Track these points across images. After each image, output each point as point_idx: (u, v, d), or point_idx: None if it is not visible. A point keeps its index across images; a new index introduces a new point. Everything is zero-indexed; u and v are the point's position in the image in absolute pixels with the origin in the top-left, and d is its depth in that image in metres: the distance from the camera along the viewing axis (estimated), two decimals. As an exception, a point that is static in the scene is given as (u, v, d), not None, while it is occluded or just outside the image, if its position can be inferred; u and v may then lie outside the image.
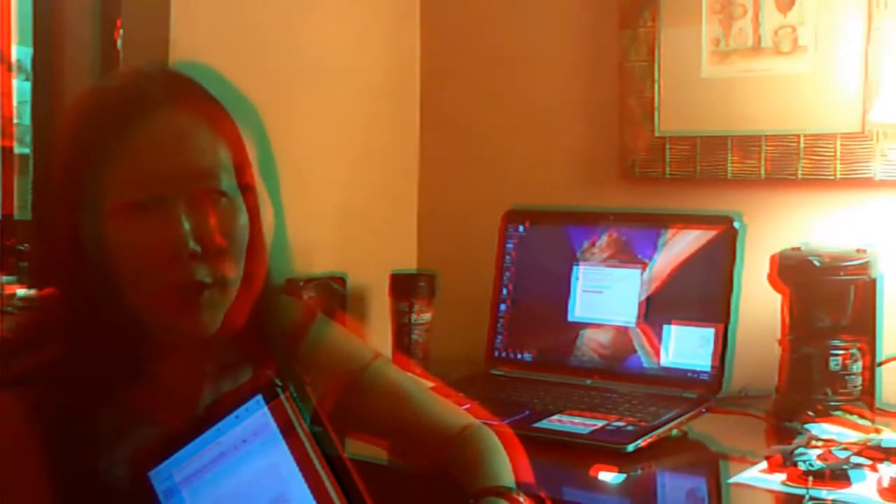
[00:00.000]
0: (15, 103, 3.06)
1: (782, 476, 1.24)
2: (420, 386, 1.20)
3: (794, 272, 1.52)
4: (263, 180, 1.02)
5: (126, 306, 0.93)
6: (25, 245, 2.66)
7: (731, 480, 1.28)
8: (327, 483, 0.92)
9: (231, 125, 0.98)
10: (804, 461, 1.24)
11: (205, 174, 0.94)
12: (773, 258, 1.55)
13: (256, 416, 0.94)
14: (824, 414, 1.46)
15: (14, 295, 2.22)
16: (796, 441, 1.33)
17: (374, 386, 1.14)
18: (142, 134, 0.92)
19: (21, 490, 0.90)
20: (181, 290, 0.93)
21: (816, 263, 1.50)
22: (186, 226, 0.92)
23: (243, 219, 0.97)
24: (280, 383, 0.95)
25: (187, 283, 0.93)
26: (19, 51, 3.03)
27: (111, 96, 0.98)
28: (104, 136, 0.92)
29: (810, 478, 1.21)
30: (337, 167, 2.00)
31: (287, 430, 0.93)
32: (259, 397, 0.95)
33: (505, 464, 1.08)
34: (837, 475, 1.21)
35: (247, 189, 0.99)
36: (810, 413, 1.47)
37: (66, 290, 0.97)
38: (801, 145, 1.70)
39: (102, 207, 0.92)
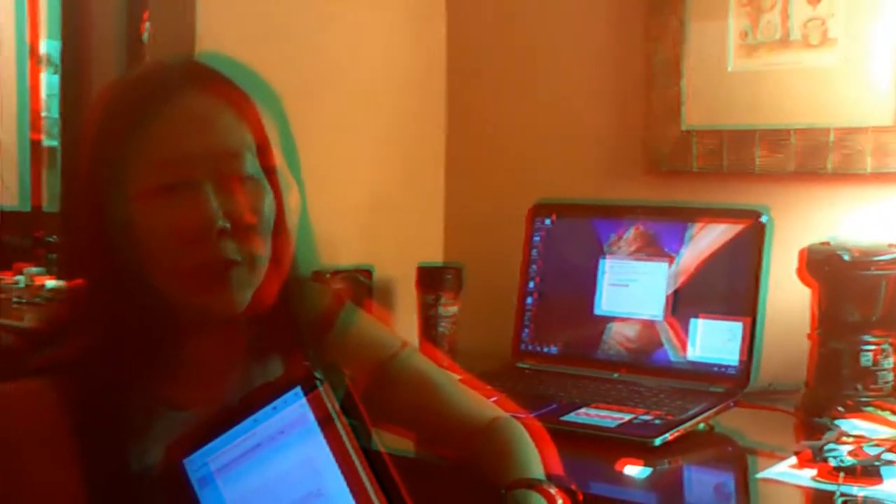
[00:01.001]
0: (43, 97, 3.08)
1: (812, 472, 1.23)
2: (448, 377, 1.20)
3: (823, 266, 1.51)
4: (286, 164, 1.03)
5: (154, 291, 0.94)
6: (54, 237, 2.68)
7: (760, 476, 1.27)
8: (364, 477, 0.92)
9: (252, 108, 0.99)
10: (835, 457, 1.23)
11: (230, 155, 0.96)
12: (801, 252, 1.54)
13: (294, 408, 0.94)
14: (855, 409, 1.45)
15: (43, 286, 2.24)
16: (826, 437, 1.32)
17: (401, 375, 1.14)
18: (165, 118, 0.94)
19: (53, 478, 0.90)
20: (211, 268, 0.94)
21: (846, 258, 1.48)
22: (214, 204, 0.93)
23: (270, 199, 0.98)
24: (319, 376, 0.95)
25: (217, 260, 0.94)
26: (48, 44, 3.05)
27: (134, 85, 1.00)
28: (128, 122, 0.94)
29: (841, 474, 1.20)
30: (364, 161, 2.01)
31: (325, 423, 0.93)
32: (297, 389, 0.94)
33: (535, 456, 1.08)
34: (869, 472, 1.20)
35: (271, 171, 1.00)
36: (840, 408, 1.46)
37: (94, 278, 0.98)
38: (831, 139, 1.69)
39: (129, 192, 0.93)
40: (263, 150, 0.99)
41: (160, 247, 0.93)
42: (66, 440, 0.90)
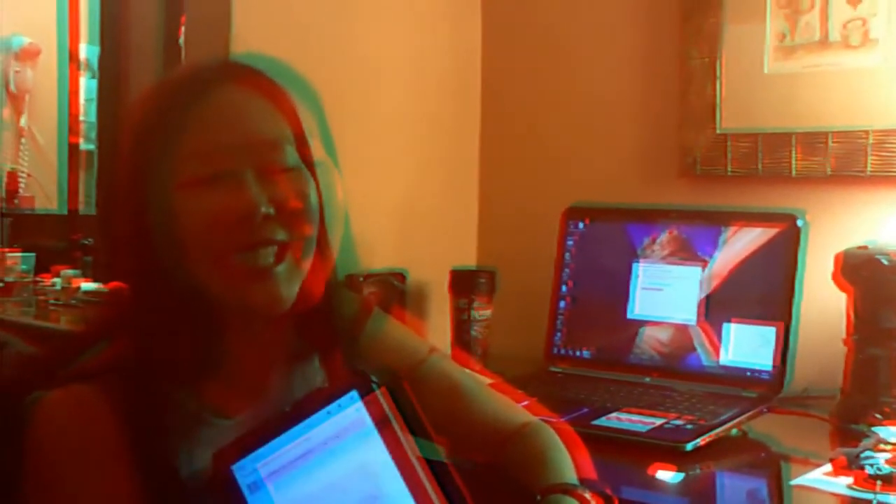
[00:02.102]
0: (82, 101, 3.12)
1: (848, 479, 1.22)
2: (477, 382, 1.20)
3: (860, 271, 1.48)
4: (327, 157, 1.03)
5: (198, 291, 0.93)
6: (91, 239, 2.72)
7: (794, 482, 1.25)
8: (426, 482, 0.90)
9: (289, 102, 0.99)
10: (871, 465, 1.21)
11: (270, 146, 0.95)
12: (837, 256, 1.51)
13: (350, 412, 0.92)
14: (892, 416, 1.42)
15: (79, 288, 2.27)
16: (863, 444, 1.30)
17: (429, 381, 1.13)
18: (203, 111, 0.93)
19: (105, 483, 0.89)
20: (258, 254, 0.92)
21: (885, 262, 1.46)
22: (257, 191, 0.92)
23: (314, 189, 0.98)
24: (376, 379, 0.93)
25: (262, 242, 0.92)
26: (89, 50, 3.09)
27: (172, 84, 1.00)
28: (166, 118, 0.94)
29: (878, 482, 1.18)
30: (398, 164, 2.01)
31: (383, 426, 0.91)
32: (353, 393, 0.92)
33: (567, 461, 1.07)
34: (906, 479, 1.18)
35: (310, 165, 0.99)
36: (877, 415, 1.43)
37: (137, 279, 0.97)
38: (870, 141, 1.66)
39: (170, 187, 0.92)
40: (302, 144, 0.99)
41: (204, 239, 0.92)
42: (116, 445, 0.89)
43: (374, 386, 0.93)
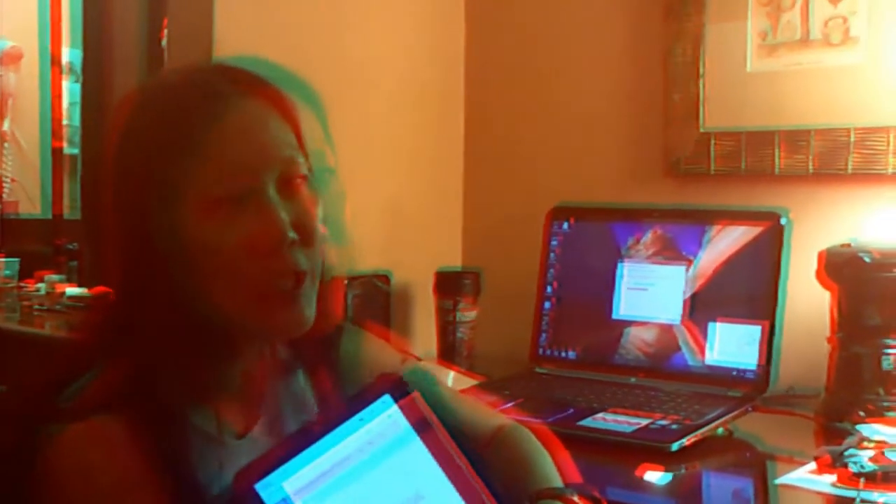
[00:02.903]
0: (65, 105, 3.11)
1: (832, 478, 1.22)
2: (449, 389, 1.19)
3: (843, 269, 1.49)
4: (333, 160, 1.02)
5: (211, 311, 0.90)
6: (75, 244, 2.71)
7: (779, 481, 1.25)
8: (473, 481, 0.89)
9: (294, 110, 0.96)
10: (855, 463, 1.22)
11: (287, 160, 0.92)
12: (821, 254, 1.52)
13: (383, 417, 0.91)
14: (876, 414, 1.43)
15: (63, 293, 2.26)
16: (847, 442, 1.30)
17: None
18: (223, 127, 0.89)
19: None
20: (281, 282, 0.90)
21: (867, 260, 1.47)
22: (284, 215, 0.90)
23: (322, 202, 0.95)
24: (408, 382, 0.92)
25: (288, 272, 0.90)
26: (71, 53, 3.08)
27: (181, 93, 0.94)
28: (182, 132, 0.89)
29: (862, 480, 1.19)
30: (382, 166, 2.01)
31: (423, 429, 0.90)
32: (386, 397, 0.91)
33: (550, 463, 1.06)
34: (890, 477, 1.18)
35: (312, 172, 0.97)
36: (861, 413, 1.44)
37: (142, 301, 0.92)
38: (852, 139, 1.67)
39: (187, 205, 0.88)
40: (305, 153, 0.96)
41: (226, 262, 0.88)
42: (146, 476, 0.85)
43: (409, 389, 0.92)
